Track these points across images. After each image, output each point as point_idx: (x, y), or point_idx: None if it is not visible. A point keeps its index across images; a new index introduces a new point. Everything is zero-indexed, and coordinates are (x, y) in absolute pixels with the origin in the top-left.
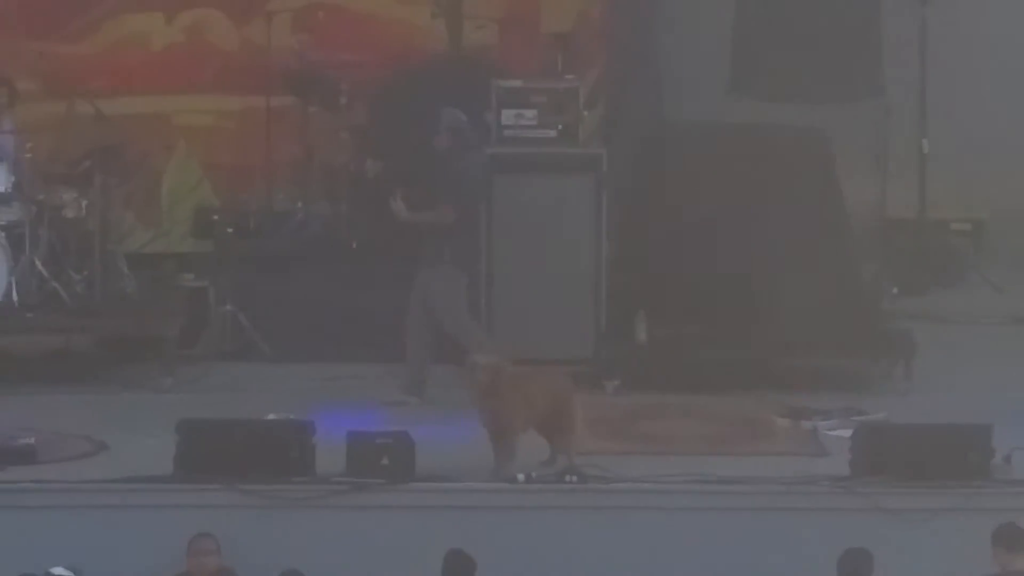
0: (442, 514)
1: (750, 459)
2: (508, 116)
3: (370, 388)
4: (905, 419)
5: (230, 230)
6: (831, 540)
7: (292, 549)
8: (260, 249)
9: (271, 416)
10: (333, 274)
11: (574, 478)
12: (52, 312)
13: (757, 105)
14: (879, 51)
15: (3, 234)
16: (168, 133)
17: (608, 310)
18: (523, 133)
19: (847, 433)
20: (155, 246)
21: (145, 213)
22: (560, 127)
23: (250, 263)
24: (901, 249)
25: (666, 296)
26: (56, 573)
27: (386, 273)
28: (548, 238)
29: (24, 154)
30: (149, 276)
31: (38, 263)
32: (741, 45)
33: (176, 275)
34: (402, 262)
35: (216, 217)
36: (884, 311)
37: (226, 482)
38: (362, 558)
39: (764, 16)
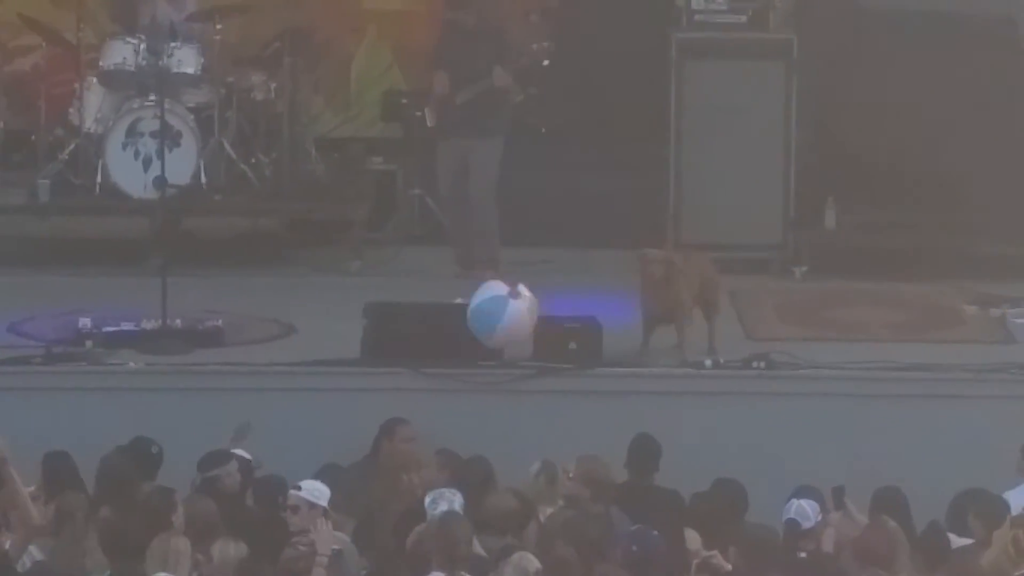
0: (629, 399)
1: (938, 346)
2: (698, 1)
3: (559, 272)
4: None
5: (419, 114)
6: (1018, 427)
7: (478, 434)
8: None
9: (459, 300)
10: (523, 157)
11: (761, 364)
12: (240, 194)
13: None
14: None
15: (192, 116)
16: (358, 16)
17: (797, 196)
18: (713, 18)
19: None
20: (344, 130)
21: (334, 97)
22: (751, 12)
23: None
24: None
25: (855, 182)
26: (239, 454)
27: (576, 156)
28: (737, 124)
29: (213, 36)
30: (338, 160)
31: (227, 145)
32: None
33: (364, 159)
34: (591, 148)
35: (405, 101)
36: None
37: (413, 366)
38: (548, 443)
39: None
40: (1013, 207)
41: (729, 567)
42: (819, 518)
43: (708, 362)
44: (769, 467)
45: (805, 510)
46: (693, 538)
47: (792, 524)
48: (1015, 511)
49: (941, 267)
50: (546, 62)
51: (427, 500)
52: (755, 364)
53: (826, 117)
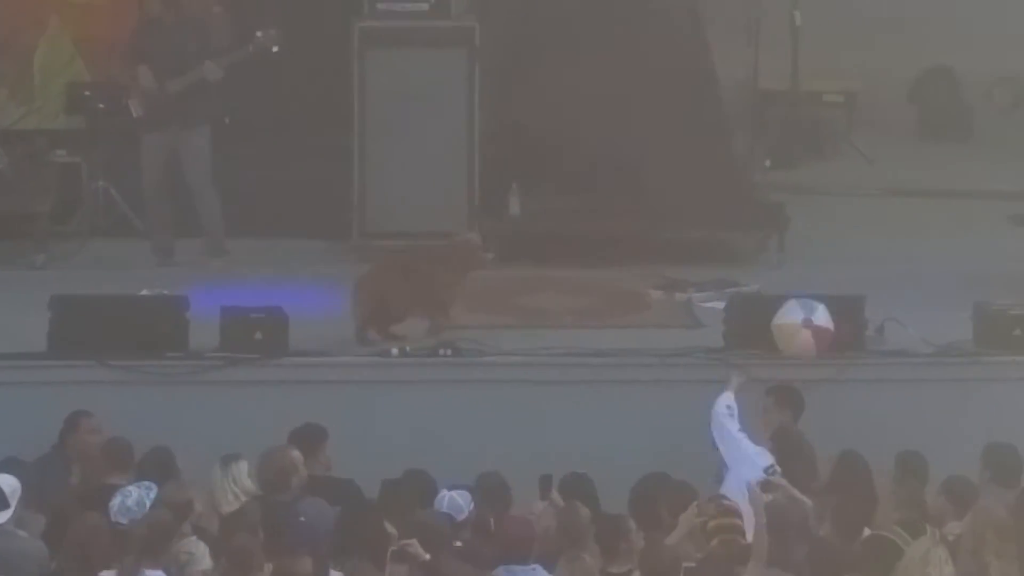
0: (316, 388)
1: (624, 331)
2: None
3: (244, 262)
4: (778, 290)
5: (102, 106)
6: (704, 410)
7: (165, 425)
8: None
9: (144, 292)
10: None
11: (448, 351)
12: None
13: None
14: None
15: None
16: (40, 7)
17: (482, 184)
18: (395, 6)
19: (721, 305)
20: (27, 122)
21: (17, 89)
22: (432, 0)
23: (123, 138)
24: (773, 121)
25: (539, 169)
26: None
27: (259, 146)
28: (421, 112)
29: None
30: (21, 153)
31: None
32: None
33: (48, 151)
34: (274, 138)
35: (88, 93)
36: (757, 183)
37: (99, 358)
38: (236, 433)
39: None
40: (696, 192)
41: (427, 556)
42: (471, 508)
43: (395, 350)
44: (457, 454)
45: (457, 502)
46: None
47: (441, 516)
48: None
49: (626, 253)
50: (275, 48)
51: (117, 498)
52: (442, 352)
53: (509, 104)
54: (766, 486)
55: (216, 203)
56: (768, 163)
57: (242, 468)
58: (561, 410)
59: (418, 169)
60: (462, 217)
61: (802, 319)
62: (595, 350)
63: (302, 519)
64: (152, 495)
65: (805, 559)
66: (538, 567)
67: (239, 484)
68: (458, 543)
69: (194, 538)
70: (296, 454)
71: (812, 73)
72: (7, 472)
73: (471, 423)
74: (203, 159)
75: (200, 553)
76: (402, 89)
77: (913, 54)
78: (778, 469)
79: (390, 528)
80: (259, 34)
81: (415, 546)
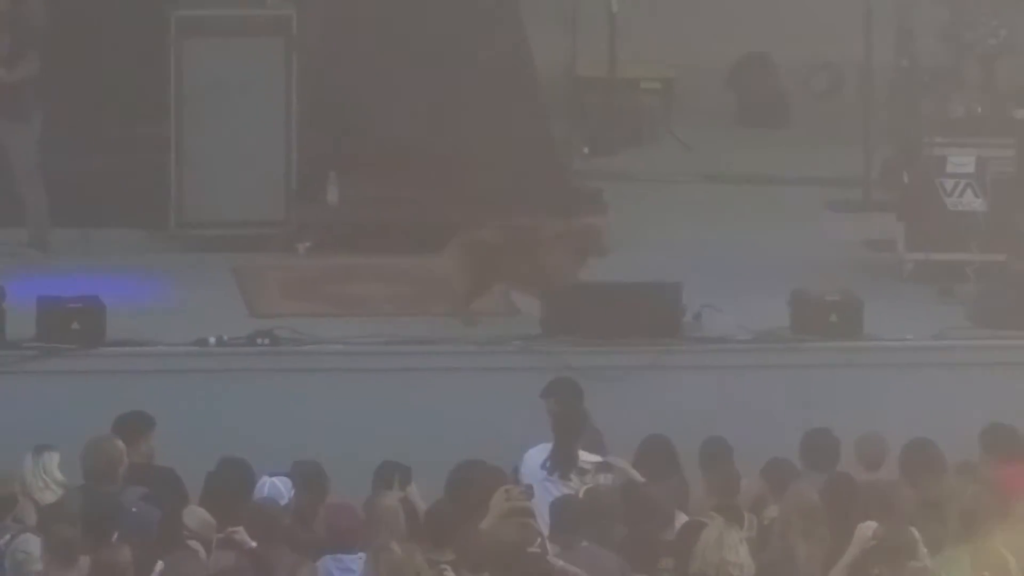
0: (134, 378)
1: (442, 319)
2: None
3: (62, 252)
4: (596, 277)
5: None
6: (522, 397)
7: None
8: None
9: None
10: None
11: (266, 340)
12: None
13: None
14: None
15: None
16: None
17: (299, 172)
18: None
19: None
20: None
21: None
22: None
23: None
24: (591, 108)
25: (357, 157)
26: None
27: (75, 136)
28: (238, 101)
29: None
30: None
31: None
32: None
33: None
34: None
35: None
36: (575, 170)
37: None
38: (52, 423)
39: None
40: (514, 179)
41: (253, 543)
42: (292, 494)
43: (212, 339)
44: (276, 443)
45: (278, 487)
46: (203, 516)
47: (265, 502)
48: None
49: (444, 240)
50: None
51: None
52: (259, 341)
53: (327, 92)
54: (603, 467)
55: (42, 195)
56: (586, 150)
57: (53, 459)
58: (379, 398)
59: (236, 158)
60: (280, 205)
61: None
62: (413, 338)
63: (134, 510)
64: None
65: (623, 541)
66: (364, 555)
67: (49, 475)
68: (279, 530)
69: (29, 535)
70: (120, 443)
71: (630, 60)
72: None
73: (289, 412)
74: (28, 153)
75: (37, 553)
76: (219, 78)
77: (730, 41)
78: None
79: (212, 516)
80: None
81: (241, 533)
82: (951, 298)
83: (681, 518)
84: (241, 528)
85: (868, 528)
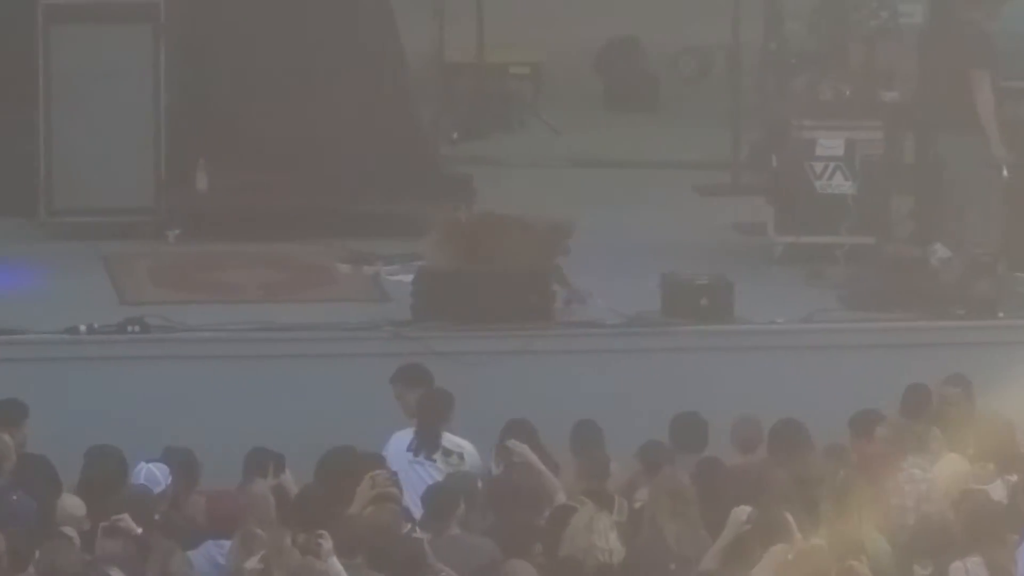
0: (10, 366)
1: (313, 306)
2: None
3: None
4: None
5: None
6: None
7: None
8: None
9: None
10: None
11: (136, 328)
12: None
13: None
14: None
15: None
16: None
17: (169, 159)
18: None
19: (409, 278)
20: None
21: None
22: None
23: None
24: (460, 93)
25: (227, 144)
26: None
27: None
28: (106, 88)
29: None
30: None
31: None
32: None
33: None
34: None
35: None
36: (444, 156)
37: None
38: None
39: None
40: (383, 165)
41: (139, 530)
42: (169, 480)
43: (83, 327)
44: (149, 430)
45: (155, 474)
46: (76, 504)
47: (144, 488)
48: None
49: (313, 227)
50: None
51: None
52: (130, 328)
53: (196, 79)
54: (502, 452)
55: None
56: (455, 135)
57: None
58: (251, 385)
59: (104, 145)
60: (149, 193)
61: None
62: (284, 324)
63: (14, 497)
64: None
65: (493, 527)
66: None
67: None
68: (156, 516)
69: None
70: (7, 437)
71: (497, 45)
72: None
73: (161, 399)
74: None
75: None
76: (87, 65)
77: (598, 25)
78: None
79: (86, 505)
80: None
81: (126, 520)
82: (821, 281)
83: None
84: (126, 515)
85: (743, 512)
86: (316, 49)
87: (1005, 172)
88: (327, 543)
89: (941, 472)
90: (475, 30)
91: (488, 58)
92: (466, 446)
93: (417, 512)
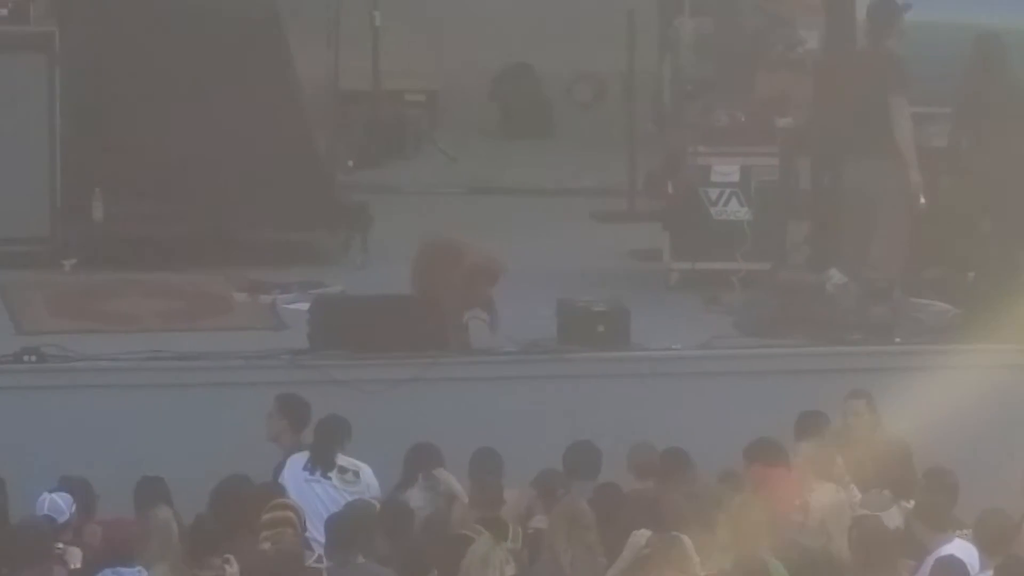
0: None
1: (209, 334)
2: None
3: None
4: (362, 291)
5: None
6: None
7: None
8: None
9: None
10: None
11: (33, 357)
12: None
13: None
14: None
15: None
16: None
17: (64, 188)
18: None
19: (305, 306)
20: None
21: None
22: (11, 5)
23: None
24: (355, 121)
25: (122, 173)
26: None
27: None
28: (0, 117)
29: None
30: None
31: None
32: None
33: None
34: None
35: None
36: (340, 183)
37: None
38: None
39: None
40: (279, 193)
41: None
42: (73, 510)
43: None
44: (44, 461)
45: (58, 504)
46: None
47: (47, 520)
48: None
49: (210, 255)
50: None
51: None
52: (26, 358)
53: (91, 108)
54: (429, 480)
55: None
56: (351, 163)
57: None
58: (147, 413)
59: None
60: (45, 222)
61: None
62: (180, 353)
63: None
64: None
65: (389, 555)
66: (143, 569)
67: None
68: (60, 545)
69: None
70: None
71: (393, 73)
72: None
73: (57, 428)
74: None
75: None
76: None
77: (493, 52)
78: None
79: None
80: None
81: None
82: (717, 307)
83: None
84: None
85: (641, 536)
86: (211, 78)
87: (923, 200)
88: (232, 568)
89: (821, 502)
90: (370, 57)
91: (384, 85)
92: (362, 466)
93: (316, 532)
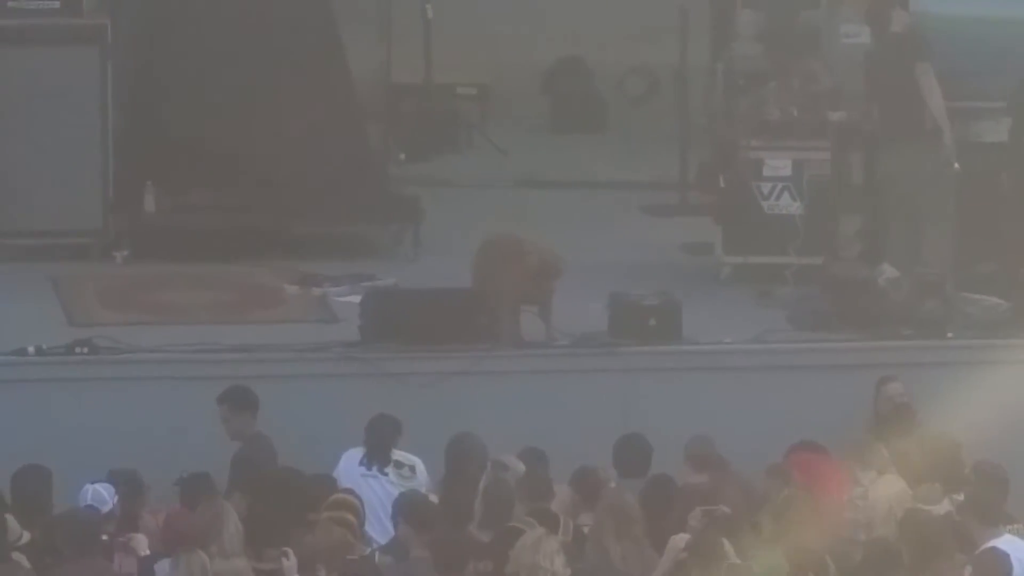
0: None
1: (261, 327)
2: None
3: None
4: (414, 284)
5: None
6: (348, 406)
7: None
8: None
9: None
10: None
11: (84, 349)
12: None
13: None
14: None
15: None
16: None
17: (116, 181)
18: (25, 4)
19: (357, 299)
20: None
21: None
22: None
23: None
24: (407, 114)
25: (175, 166)
26: None
27: None
28: (52, 110)
29: None
30: None
31: None
32: None
33: None
34: None
35: None
36: (391, 176)
37: None
38: None
39: None
40: (331, 186)
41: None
42: (115, 500)
43: (31, 349)
44: (96, 452)
45: (101, 494)
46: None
47: (91, 509)
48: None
49: (261, 248)
50: None
51: None
52: (78, 350)
53: (144, 100)
54: (496, 465)
55: None
56: (402, 156)
57: None
58: (199, 406)
59: (52, 167)
60: (97, 214)
61: None
62: (232, 345)
63: None
64: None
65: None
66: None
67: None
68: (104, 536)
69: None
70: None
71: (445, 66)
72: None
73: (109, 420)
74: None
75: None
76: (32, 87)
77: (545, 45)
78: None
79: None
80: None
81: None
82: (769, 301)
83: None
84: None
85: (680, 540)
86: (263, 70)
87: (956, 165)
88: (290, 561)
89: (882, 493)
90: (422, 51)
91: (435, 79)
92: (417, 461)
93: (371, 527)
